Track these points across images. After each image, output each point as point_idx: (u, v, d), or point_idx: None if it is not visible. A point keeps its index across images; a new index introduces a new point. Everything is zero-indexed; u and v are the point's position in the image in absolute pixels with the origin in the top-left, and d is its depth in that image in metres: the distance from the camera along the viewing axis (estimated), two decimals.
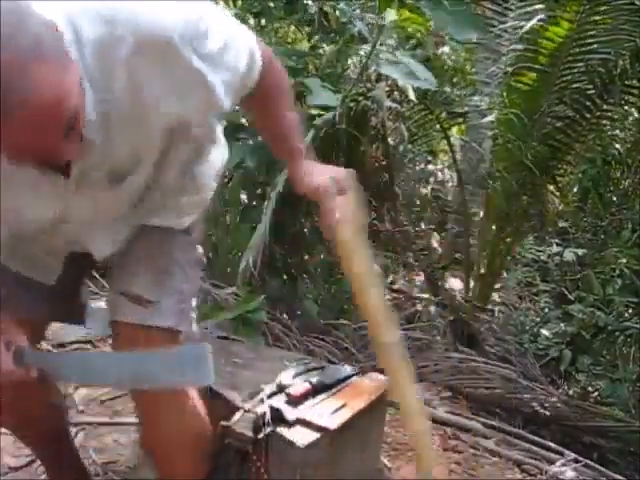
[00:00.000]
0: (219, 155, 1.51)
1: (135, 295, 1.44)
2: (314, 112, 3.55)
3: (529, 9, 4.07)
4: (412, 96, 3.65)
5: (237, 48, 1.19)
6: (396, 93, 4.29)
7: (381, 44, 3.40)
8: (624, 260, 4.60)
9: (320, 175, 1.32)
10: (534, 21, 3.95)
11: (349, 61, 4.14)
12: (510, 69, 4.21)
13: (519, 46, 4.12)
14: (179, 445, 1.54)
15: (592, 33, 4.00)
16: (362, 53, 3.65)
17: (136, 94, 1.08)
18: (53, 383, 1.58)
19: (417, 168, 6.06)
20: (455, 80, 4.98)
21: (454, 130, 5.26)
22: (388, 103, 4.16)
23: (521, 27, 4.06)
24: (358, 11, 3.57)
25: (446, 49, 5.83)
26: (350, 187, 1.29)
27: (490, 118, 4.35)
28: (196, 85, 1.12)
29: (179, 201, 1.44)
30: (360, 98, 3.87)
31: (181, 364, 1.21)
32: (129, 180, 1.22)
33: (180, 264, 1.49)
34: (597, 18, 3.95)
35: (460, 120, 4.82)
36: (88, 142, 1.08)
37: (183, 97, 1.12)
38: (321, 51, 4.13)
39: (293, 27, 4.76)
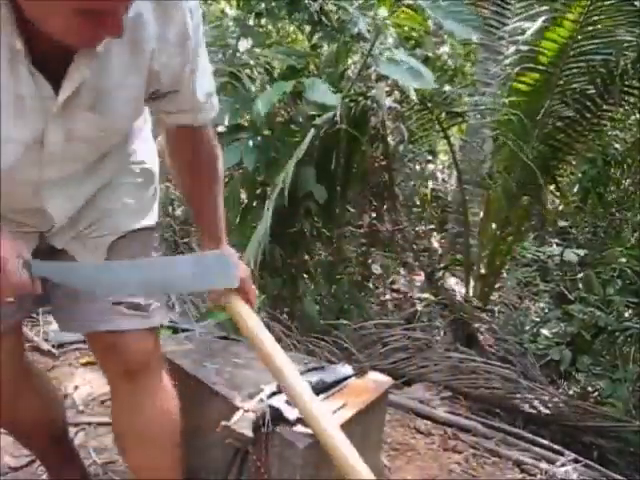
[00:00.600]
0: (153, 147, 1.58)
1: (132, 303, 1.46)
2: (314, 112, 3.55)
3: (532, 12, 4.08)
4: (413, 96, 3.65)
5: (210, 73, 1.39)
6: (396, 93, 4.28)
7: (381, 43, 3.41)
8: (624, 260, 4.60)
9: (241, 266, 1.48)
10: (539, 23, 3.96)
11: (349, 61, 4.15)
12: (512, 70, 4.22)
13: (522, 47, 4.13)
14: (147, 437, 1.58)
15: (593, 34, 4.00)
16: (362, 52, 3.65)
17: (137, 28, 1.17)
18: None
19: (417, 168, 6.06)
20: (455, 80, 4.98)
21: (454, 130, 5.26)
22: (388, 103, 4.16)
23: (523, 28, 4.07)
24: (357, 11, 3.57)
25: (446, 49, 5.84)
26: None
27: (491, 118, 4.35)
28: (181, 42, 1.23)
29: (128, 184, 1.49)
30: (360, 98, 3.87)
31: (207, 269, 1.26)
32: (108, 115, 1.23)
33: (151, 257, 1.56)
34: (598, 19, 3.95)
35: (460, 120, 4.82)
36: (94, 52, 1.12)
37: (168, 47, 1.23)
38: (321, 50, 4.13)
39: (293, 27, 4.76)
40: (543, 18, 4.01)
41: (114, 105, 1.22)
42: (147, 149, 1.54)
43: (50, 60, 1.12)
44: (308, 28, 4.14)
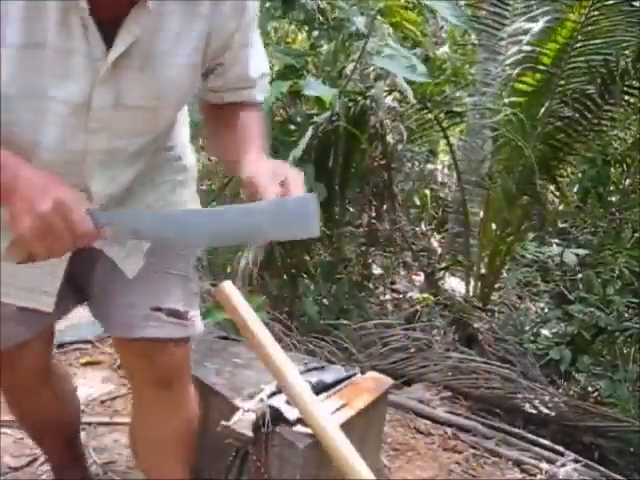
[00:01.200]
0: (190, 146, 1.50)
1: (172, 310, 1.41)
2: (313, 112, 3.56)
3: (533, 13, 4.09)
4: (411, 96, 3.65)
5: (265, 55, 1.34)
6: (395, 93, 4.29)
7: (378, 39, 3.41)
8: (623, 260, 4.60)
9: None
10: (541, 23, 3.96)
11: (349, 58, 4.15)
12: (512, 70, 4.22)
13: (524, 47, 4.13)
14: (167, 446, 1.56)
15: (594, 34, 4.01)
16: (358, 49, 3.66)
17: None
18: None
19: (416, 168, 6.07)
20: (455, 80, 4.98)
21: (454, 130, 5.27)
22: (387, 102, 4.16)
23: (524, 29, 4.07)
24: (354, 8, 3.58)
25: (445, 49, 5.85)
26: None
27: (491, 118, 4.35)
28: (236, 8, 1.19)
29: (167, 171, 1.42)
30: (359, 98, 3.87)
31: (289, 216, 1.10)
32: (160, 81, 1.16)
33: (190, 263, 1.49)
34: (599, 19, 3.95)
35: (459, 120, 4.83)
36: (146, 11, 1.08)
37: (224, 10, 1.18)
38: (320, 50, 4.13)
39: (292, 26, 4.76)
40: (545, 19, 4.01)
41: (166, 71, 1.15)
42: (187, 147, 1.48)
43: (102, 19, 1.06)
44: (306, 27, 4.15)
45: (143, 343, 1.41)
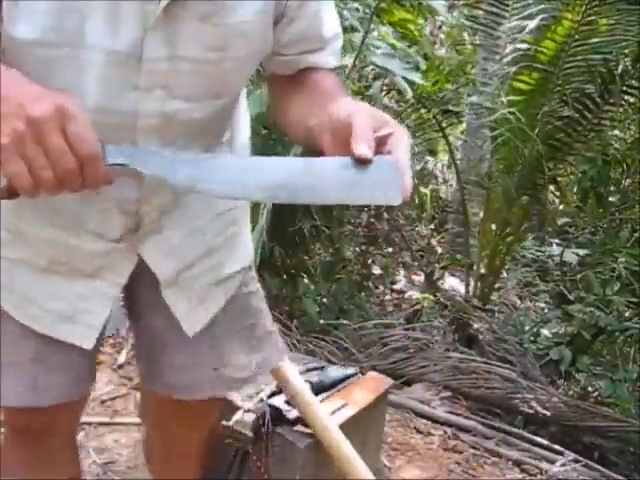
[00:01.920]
0: (247, 124, 1.28)
1: (238, 366, 1.28)
2: None
3: (529, 11, 4.08)
4: (409, 95, 3.66)
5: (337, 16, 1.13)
6: (394, 92, 4.30)
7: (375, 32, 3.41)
8: (623, 259, 4.59)
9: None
10: (536, 21, 3.96)
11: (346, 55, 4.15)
12: (510, 69, 4.21)
13: (521, 46, 4.13)
14: (187, 457, 1.47)
15: (593, 33, 4.00)
16: (352, 45, 3.66)
17: None
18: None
19: (417, 168, 6.07)
20: (452, 79, 4.99)
21: (454, 130, 5.27)
22: (386, 102, 4.16)
23: (521, 27, 4.06)
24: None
25: (443, 49, 5.85)
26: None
27: (490, 118, 4.35)
28: None
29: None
30: (357, 97, 3.87)
31: (365, 177, 0.85)
32: (223, 30, 0.97)
33: (262, 307, 1.34)
34: (598, 18, 3.95)
35: (457, 120, 4.83)
36: None
37: None
38: None
39: None
40: (541, 17, 4.00)
41: (231, 20, 0.97)
42: (246, 149, 1.26)
43: None
44: None
45: (198, 401, 1.27)
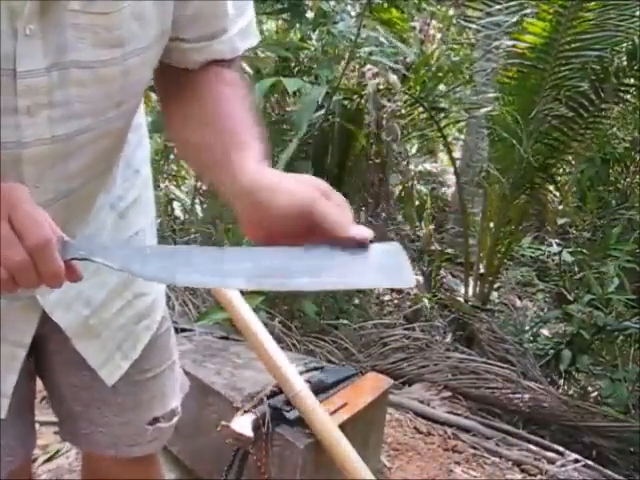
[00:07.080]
0: (147, 147, 1.13)
1: (169, 412, 1.20)
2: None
3: (513, 2, 4.05)
4: (397, 87, 3.68)
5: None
6: (393, 92, 4.30)
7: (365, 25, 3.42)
8: (618, 257, 4.59)
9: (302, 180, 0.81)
10: (517, 17, 3.94)
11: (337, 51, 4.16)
12: (498, 64, 4.21)
13: (507, 42, 4.11)
14: None
15: (584, 29, 3.95)
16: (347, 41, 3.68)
17: None
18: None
19: (412, 166, 6.07)
20: (442, 76, 4.99)
21: (453, 129, 5.27)
22: (382, 101, 4.17)
23: (504, 23, 4.05)
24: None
25: (434, 47, 5.86)
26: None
27: (483, 111, 4.34)
28: None
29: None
30: (355, 97, 3.88)
31: (371, 263, 0.79)
32: (114, 20, 0.77)
33: (173, 353, 1.23)
34: (586, 14, 3.89)
35: (454, 119, 4.83)
36: None
37: None
38: (311, 42, 4.15)
39: (280, 22, 4.75)
40: (523, 12, 3.98)
41: (123, 12, 0.77)
42: (146, 164, 1.11)
43: None
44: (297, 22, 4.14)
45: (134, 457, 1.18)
